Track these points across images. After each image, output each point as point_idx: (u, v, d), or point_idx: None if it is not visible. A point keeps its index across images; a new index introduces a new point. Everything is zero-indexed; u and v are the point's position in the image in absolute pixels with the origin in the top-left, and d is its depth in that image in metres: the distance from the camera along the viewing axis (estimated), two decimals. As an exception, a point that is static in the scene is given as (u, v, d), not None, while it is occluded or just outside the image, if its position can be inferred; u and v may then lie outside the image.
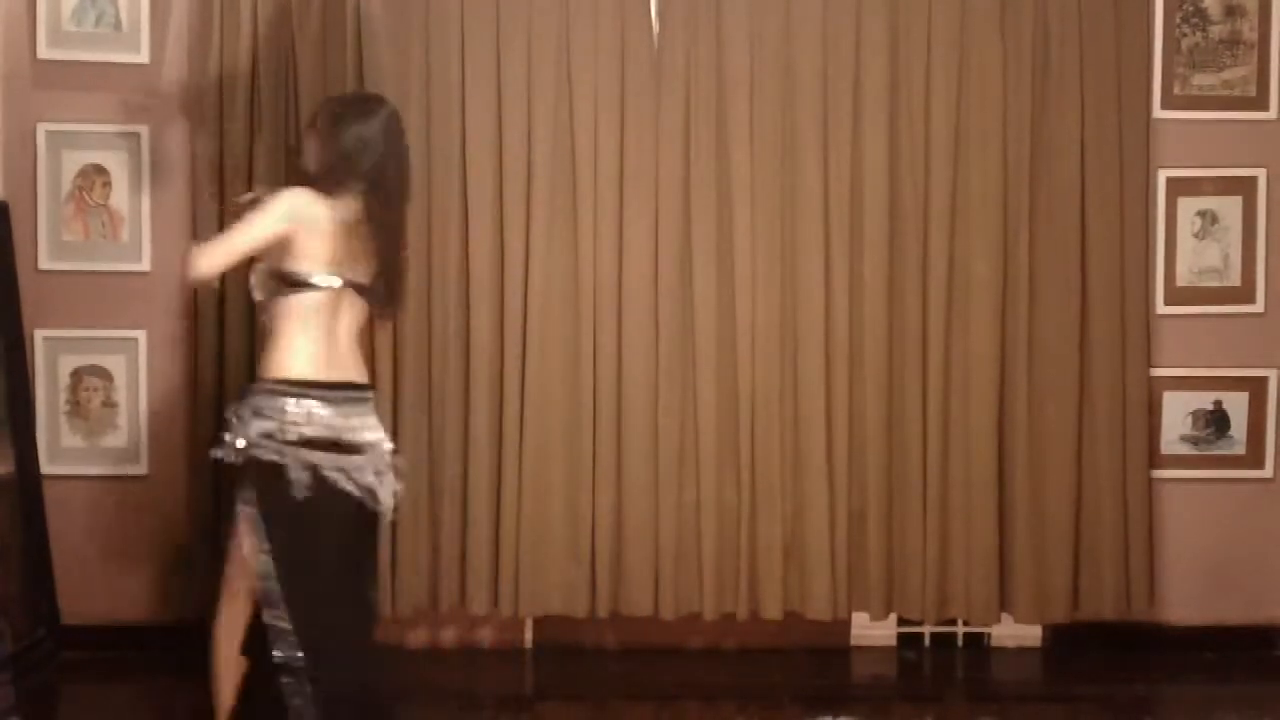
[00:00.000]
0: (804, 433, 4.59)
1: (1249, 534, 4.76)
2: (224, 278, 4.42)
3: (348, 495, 3.36)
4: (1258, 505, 4.76)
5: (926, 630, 4.79)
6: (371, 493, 3.41)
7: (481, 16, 4.49)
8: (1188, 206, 4.71)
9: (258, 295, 3.48)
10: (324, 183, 3.39)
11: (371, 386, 3.55)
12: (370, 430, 3.44)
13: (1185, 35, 4.68)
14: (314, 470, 3.31)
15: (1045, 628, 4.77)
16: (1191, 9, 4.67)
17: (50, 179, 4.57)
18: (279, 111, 4.48)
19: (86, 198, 4.59)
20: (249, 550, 3.33)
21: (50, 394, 4.60)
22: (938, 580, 4.62)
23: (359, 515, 3.41)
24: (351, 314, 3.44)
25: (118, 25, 4.56)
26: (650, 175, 4.53)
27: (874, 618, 4.67)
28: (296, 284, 3.35)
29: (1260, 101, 4.70)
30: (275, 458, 3.30)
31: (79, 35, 4.55)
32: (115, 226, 4.60)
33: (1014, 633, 4.77)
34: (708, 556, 4.58)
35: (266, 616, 3.29)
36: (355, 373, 3.45)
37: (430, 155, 4.50)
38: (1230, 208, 4.71)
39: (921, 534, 4.61)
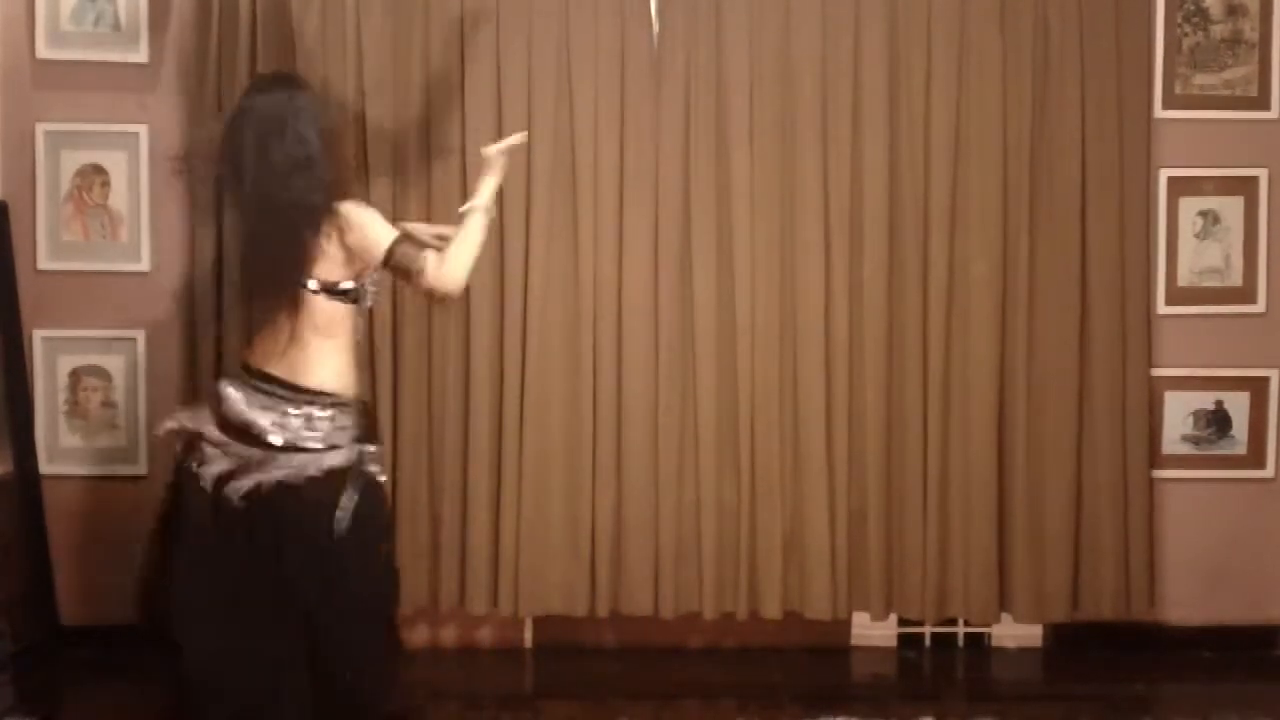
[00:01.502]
0: (804, 432, 4.59)
1: (1250, 534, 4.76)
2: (222, 280, 4.48)
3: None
4: (1259, 505, 4.76)
5: (927, 630, 4.79)
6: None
7: (481, 17, 4.49)
8: (1189, 206, 4.70)
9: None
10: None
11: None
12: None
13: (1186, 35, 4.67)
14: None
15: (1045, 627, 4.77)
16: (1193, 8, 4.66)
17: (49, 179, 4.57)
18: (278, 111, 4.47)
19: (85, 197, 4.59)
20: None
21: (49, 394, 4.60)
22: (938, 580, 4.62)
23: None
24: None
25: (117, 25, 4.55)
26: (650, 175, 4.52)
27: (874, 618, 4.67)
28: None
29: (1261, 101, 4.69)
30: None
31: (78, 35, 4.55)
32: (114, 226, 4.59)
33: (1014, 633, 4.77)
34: (708, 556, 4.58)
35: None
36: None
37: (430, 156, 4.49)
38: (1231, 208, 4.70)
39: (921, 534, 4.61)
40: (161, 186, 4.57)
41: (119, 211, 4.59)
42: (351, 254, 3.42)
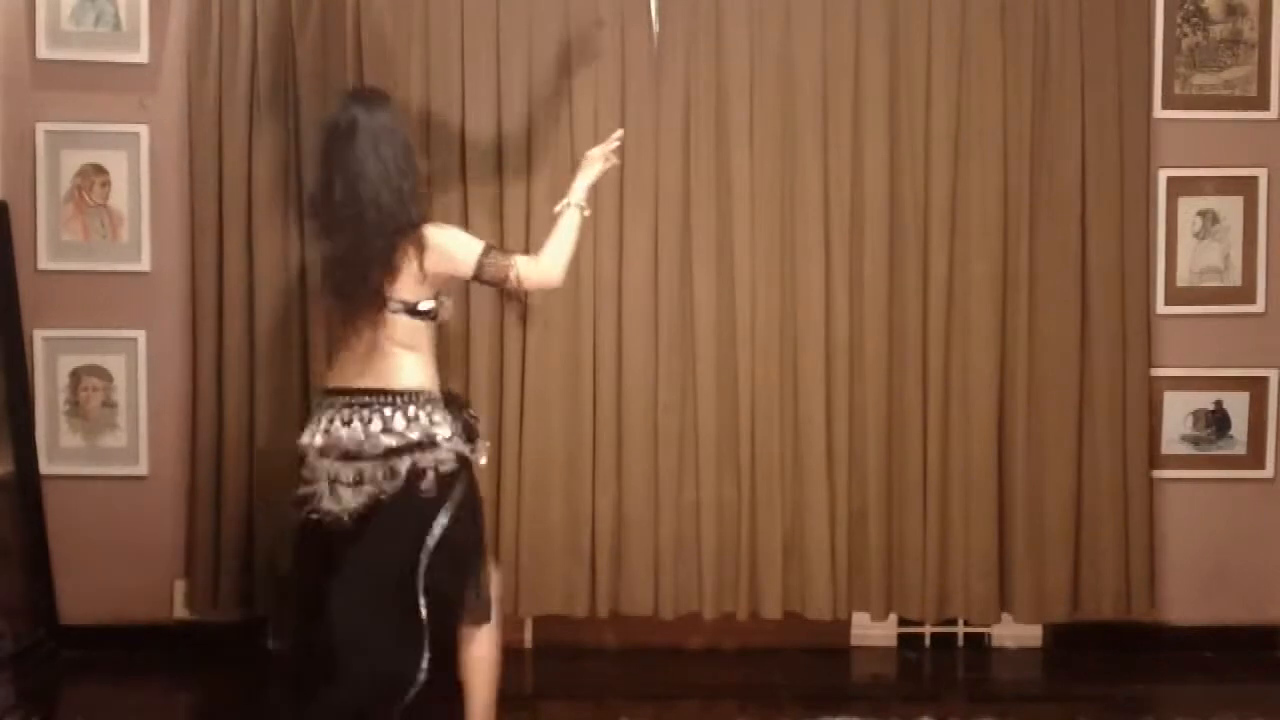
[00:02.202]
0: (804, 432, 4.59)
1: (1249, 534, 4.75)
2: (222, 280, 4.49)
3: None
4: (1258, 505, 4.76)
5: (927, 630, 4.79)
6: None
7: (481, 17, 4.49)
8: (1188, 206, 4.70)
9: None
10: None
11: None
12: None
13: (1186, 35, 4.67)
14: None
15: (1045, 628, 4.76)
16: (1192, 9, 4.66)
17: (50, 179, 4.57)
18: (279, 111, 4.48)
19: (86, 197, 4.58)
20: None
21: (50, 394, 4.60)
22: (938, 580, 4.62)
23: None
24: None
25: (117, 25, 4.55)
26: (650, 175, 4.52)
27: (874, 618, 4.67)
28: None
29: (1261, 101, 4.69)
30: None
31: (78, 35, 4.55)
32: (115, 226, 4.59)
33: (1014, 633, 4.76)
34: (708, 556, 4.58)
35: None
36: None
37: (430, 156, 4.49)
38: (1231, 207, 4.71)
39: (921, 534, 4.61)
40: (162, 186, 4.57)
41: (119, 211, 4.59)
42: (431, 275, 3.52)
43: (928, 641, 4.81)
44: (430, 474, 3.48)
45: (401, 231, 3.47)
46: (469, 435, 3.64)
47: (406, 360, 3.52)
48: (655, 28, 4.53)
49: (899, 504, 4.62)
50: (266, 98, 4.47)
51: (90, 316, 4.60)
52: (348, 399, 3.51)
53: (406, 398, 3.49)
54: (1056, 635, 4.77)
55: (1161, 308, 4.70)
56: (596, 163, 3.82)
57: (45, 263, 4.58)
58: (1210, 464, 4.73)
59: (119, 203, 4.59)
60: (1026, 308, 4.58)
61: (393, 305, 3.49)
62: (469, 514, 3.59)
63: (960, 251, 4.58)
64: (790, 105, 4.55)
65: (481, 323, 4.52)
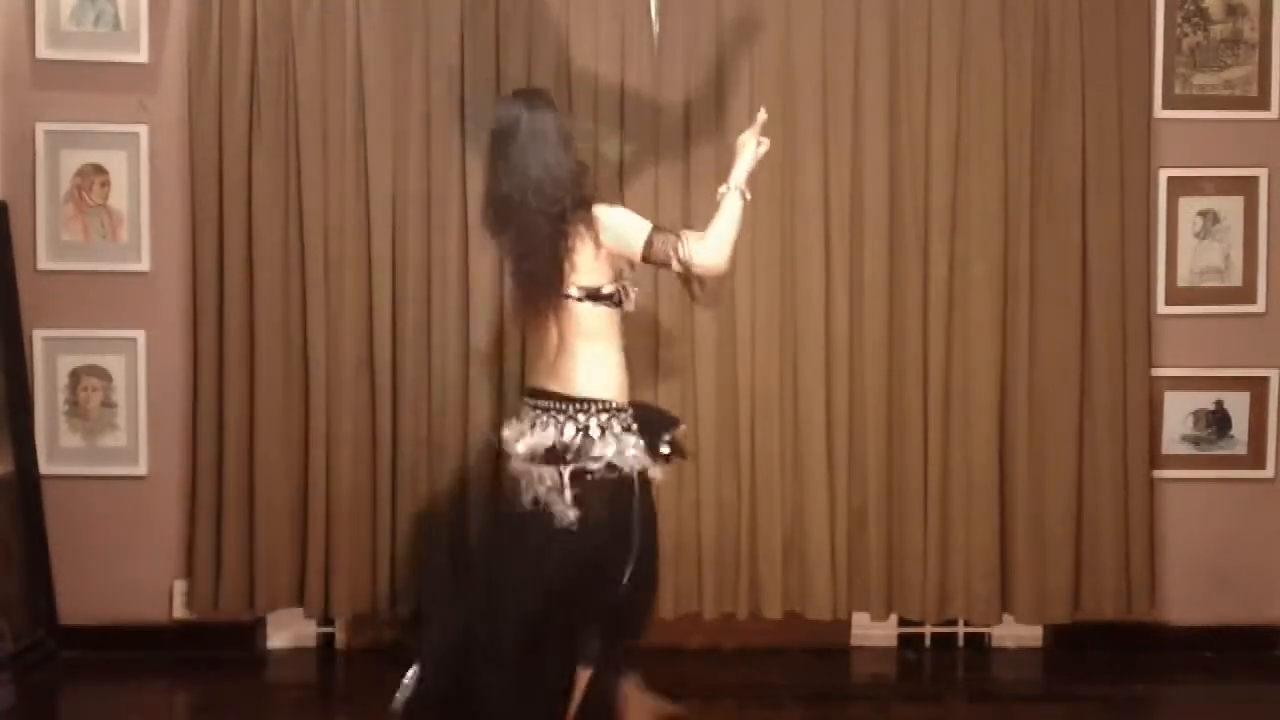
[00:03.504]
0: (804, 433, 4.59)
1: (1249, 534, 4.75)
2: (222, 280, 4.49)
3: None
4: (1258, 505, 4.75)
5: (927, 630, 4.79)
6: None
7: (481, 16, 4.49)
8: (1189, 206, 4.70)
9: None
10: None
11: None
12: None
13: (1186, 35, 4.67)
14: None
15: (1046, 628, 4.76)
16: (1192, 8, 4.66)
17: (49, 179, 4.57)
18: (279, 111, 4.48)
19: (85, 197, 4.58)
20: None
21: (49, 394, 4.60)
22: (938, 580, 4.62)
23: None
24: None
25: (117, 25, 4.55)
26: (650, 175, 4.52)
27: (874, 618, 4.67)
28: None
29: (1261, 101, 4.68)
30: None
31: (78, 35, 4.55)
32: (114, 226, 4.59)
33: (1015, 633, 4.76)
34: (708, 556, 4.58)
35: None
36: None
37: (430, 157, 4.50)
38: (1231, 207, 4.70)
39: (922, 534, 4.61)
40: (162, 186, 4.57)
41: (119, 211, 4.59)
42: (609, 255, 3.52)
43: (928, 641, 4.81)
44: (601, 486, 3.47)
45: (566, 215, 3.47)
46: (652, 447, 3.57)
47: (590, 360, 3.51)
48: (655, 28, 4.52)
49: (899, 504, 4.62)
50: (267, 98, 4.47)
51: (90, 316, 4.60)
52: (535, 401, 3.54)
53: (584, 406, 3.49)
54: (1057, 635, 4.76)
55: (1162, 308, 4.69)
56: (749, 144, 3.74)
57: (45, 263, 4.58)
58: (1211, 464, 4.73)
59: (119, 203, 4.58)
60: (1026, 308, 4.57)
61: (575, 293, 3.48)
62: (644, 532, 3.56)
63: (960, 251, 4.58)
64: (790, 105, 4.54)
65: (481, 324, 4.52)
